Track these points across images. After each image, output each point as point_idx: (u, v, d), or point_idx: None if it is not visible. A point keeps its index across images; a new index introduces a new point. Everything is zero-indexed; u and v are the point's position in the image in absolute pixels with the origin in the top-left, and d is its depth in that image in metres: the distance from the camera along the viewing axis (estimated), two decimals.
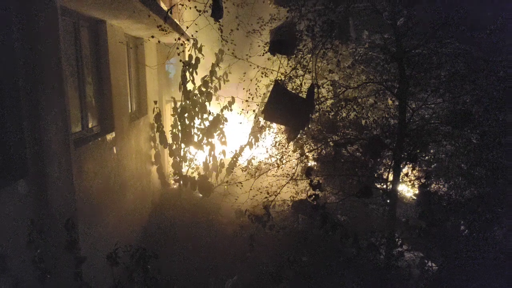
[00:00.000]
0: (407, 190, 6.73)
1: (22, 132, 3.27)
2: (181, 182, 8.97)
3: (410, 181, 5.89)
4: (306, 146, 6.67)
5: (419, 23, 4.83)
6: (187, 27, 6.10)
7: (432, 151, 6.19)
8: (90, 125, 5.60)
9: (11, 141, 3.21)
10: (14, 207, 3.12)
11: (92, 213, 4.99)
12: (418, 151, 5.52)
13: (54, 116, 3.83)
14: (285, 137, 6.15)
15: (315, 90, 5.24)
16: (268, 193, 6.07)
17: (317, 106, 5.69)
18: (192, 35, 7.97)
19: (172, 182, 10.11)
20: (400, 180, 5.75)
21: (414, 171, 5.74)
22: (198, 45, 8.62)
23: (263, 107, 4.80)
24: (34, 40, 3.42)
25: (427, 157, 6.17)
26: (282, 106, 4.31)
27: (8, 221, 2.96)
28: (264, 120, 7.11)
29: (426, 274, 5.19)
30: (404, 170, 5.81)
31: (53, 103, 3.87)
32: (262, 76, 6.22)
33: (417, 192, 6.09)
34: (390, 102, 6.27)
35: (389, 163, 5.72)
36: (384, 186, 5.79)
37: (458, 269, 4.86)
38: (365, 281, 5.52)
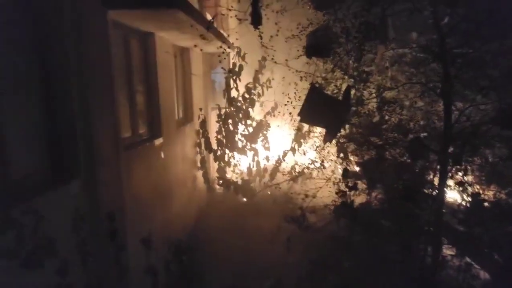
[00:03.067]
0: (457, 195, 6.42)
1: (76, 137, 3.59)
2: (225, 187, 9.20)
3: (456, 186, 5.62)
4: (348, 150, 6.59)
5: (463, 21, 4.66)
6: (228, 35, 6.33)
7: (487, 154, 5.86)
8: (140, 131, 5.96)
9: (65, 145, 3.53)
10: (67, 205, 3.41)
11: (139, 215, 5.26)
12: (467, 153, 5.28)
13: (105, 121, 4.16)
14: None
15: (352, 91, 5.20)
16: (306, 195, 6.10)
17: (356, 108, 5.63)
18: (233, 43, 8.20)
19: (217, 187, 10.37)
20: (448, 185, 5.51)
21: (459, 175, 5.47)
22: (242, 53, 8.87)
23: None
24: (87, 52, 3.73)
25: (479, 161, 5.86)
26: (317, 108, 4.34)
27: (62, 219, 3.24)
28: (300, 122, 7.15)
29: (474, 281, 4.94)
30: (458, 176, 5.56)
31: (104, 109, 4.21)
32: (300, 80, 6.29)
33: (465, 197, 5.80)
34: (436, 104, 6.04)
35: (435, 167, 5.51)
36: (431, 191, 5.58)
37: (508, 277, 4.58)
38: None
